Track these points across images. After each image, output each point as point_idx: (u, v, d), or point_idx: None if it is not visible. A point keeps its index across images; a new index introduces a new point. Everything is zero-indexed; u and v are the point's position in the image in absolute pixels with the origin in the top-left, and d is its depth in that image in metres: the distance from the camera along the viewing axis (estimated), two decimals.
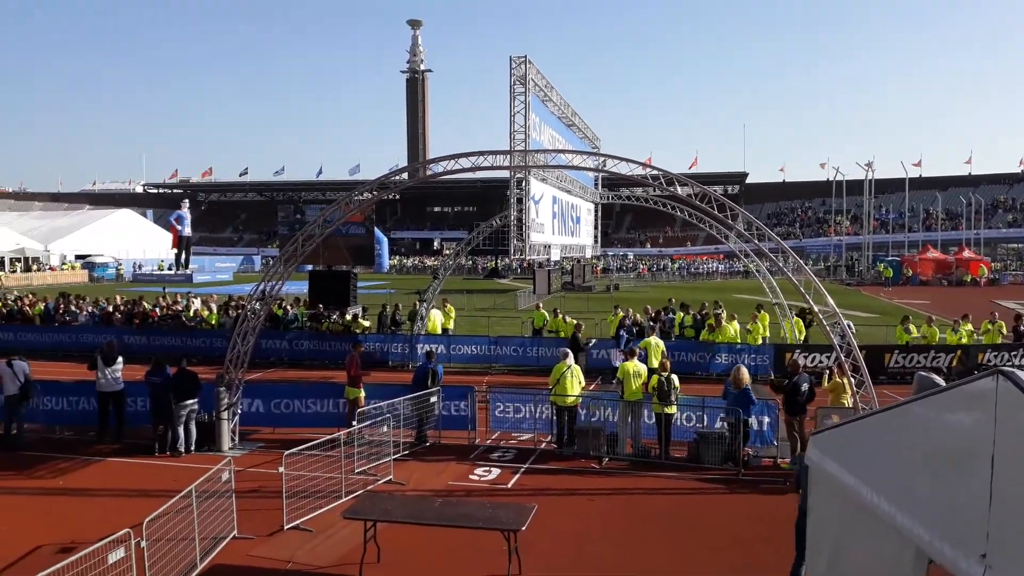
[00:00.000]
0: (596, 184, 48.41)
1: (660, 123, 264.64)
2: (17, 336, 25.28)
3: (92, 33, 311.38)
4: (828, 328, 13.00)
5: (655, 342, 18.10)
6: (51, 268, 69.11)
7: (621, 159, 14.39)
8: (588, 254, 49.68)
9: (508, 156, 16.56)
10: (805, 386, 13.08)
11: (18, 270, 65.68)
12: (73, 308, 27.09)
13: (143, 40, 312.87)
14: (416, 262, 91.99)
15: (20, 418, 14.28)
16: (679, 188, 14.31)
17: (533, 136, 28.26)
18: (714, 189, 14.73)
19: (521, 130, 27.49)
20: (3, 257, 66.45)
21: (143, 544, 7.54)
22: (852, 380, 12.76)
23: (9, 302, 29.26)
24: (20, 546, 9.51)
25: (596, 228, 51.22)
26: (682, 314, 23.88)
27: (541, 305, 27.07)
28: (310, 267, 29.46)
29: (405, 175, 16.51)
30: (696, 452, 13.11)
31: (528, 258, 30.76)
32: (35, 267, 68.28)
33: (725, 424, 13.45)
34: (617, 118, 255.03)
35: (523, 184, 27.35)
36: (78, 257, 74.35)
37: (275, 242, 79.34)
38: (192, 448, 13.74)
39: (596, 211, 50.62)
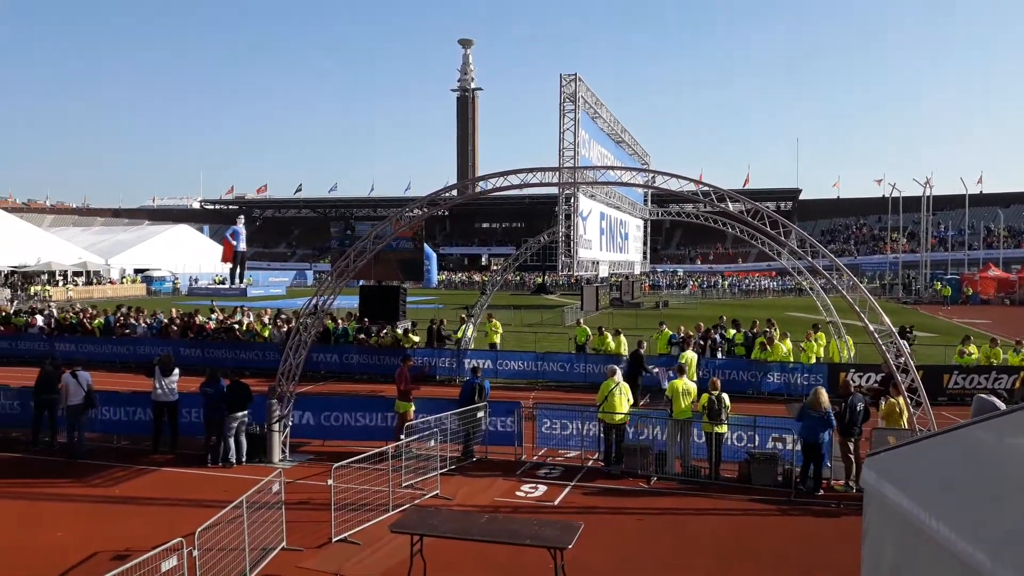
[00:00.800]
0: (645, 200, 48.21)
1: (711, 139, 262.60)
2: (78, 347, 26.06)
3: (152, 53, 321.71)
4: (883, 347, 12.68)
5: (691, 355, 18.38)
6: (111, 282, 71.22)
7: (671, 175, 14.32)
8: (637, 270, 49.40)
9: (557, 173, 16.59)
10: (860, 406, 12.76)
11: (80, 283, 67.84)
12: (132, 320, 27.83)
13: (199, 61, 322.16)
14: (464, 277, 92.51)
15: (81, 427, 14.71)
16: (730, 204, 14.16)
17: (582, 153, 28.28)
18: (766, 205, 14.53)
19: (570, 147, 27.53)
20: (67, 271, 68.70)
21: (195, 553, 7.66)
22: (908, 400, 12.42)
23: (70, 315, 30.21)
24: (78, 552, 9.77)
25: (645, 244, 50.95)
26: (733, 331, 23.57)
27: (582, 321, 26.94)
28: (361, 282, 29.85)
29: (455, 192, 16.62)
30: (747, 472, 12.88)
31: (576, 274, 30.70)
32: (96, 280, 70.46)
33: (777, 445, 13.21)
34: (667, 134, 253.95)
35: (571, 200, 27.35)
36: (137, 271, 76.56)
37: (327, 257, 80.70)
38: (243, 459, 13.96)
39: (645, 227, 50.36)
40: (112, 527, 10.85)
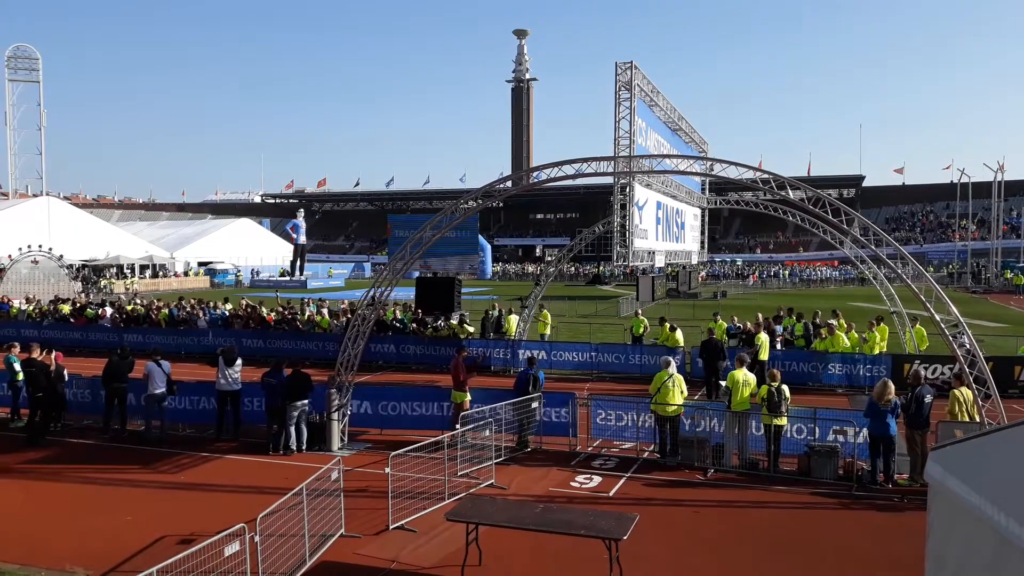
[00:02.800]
0: (703, 189, 47.54)
1: (771, 126, 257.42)
2: (146, 338, 26.84)
3: (209, 52, 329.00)
4: (950, 338, 12.28)
5: (765, 338, 18.99)
6: (176, 274, 73.22)
7: (729, 163, 14.07)
8: (694, 260, 48.77)
9: (612, 162, 16.45)
10: (929, 398, 12.38)
11: (147, 276, 69.96)
12: (192, 312, 28.58)
13: (260, 59, 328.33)
14: (518, 269, 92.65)
15: (163, 415, 15.25)
16: (791, 192, 13.87)
17: (638, 141, 28.00)
18: (828, 193, 14.19)
19: (626, 136, 27.29)
20: (134, 264, 70.90)
21: (257, 539, 7.83)
22: (976, 392, 12.00)
23: (139, 306, 31.17)
24: (146, 535, 10.10)
25: (703, 233, 50.26)
26: (793, 320, 23.11)
27: (640, 312, 26.69)
28: (417, 273, 30.12)
29: (509, 183, 16.66)
30: (807, 465, 12.63)
31: (631, 264, 30.45)
32: (161, 273, 72.55)
33: (838, 438, 12.91)
34: (726, 122, 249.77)
35: (627, 190, 27.12)
36: (200, 264, 78.58)
37: (385, 249, 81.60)
38: (303, 447, 14.24)
39: (703, 216, 49.67)
40: (177, 512, 11.18)
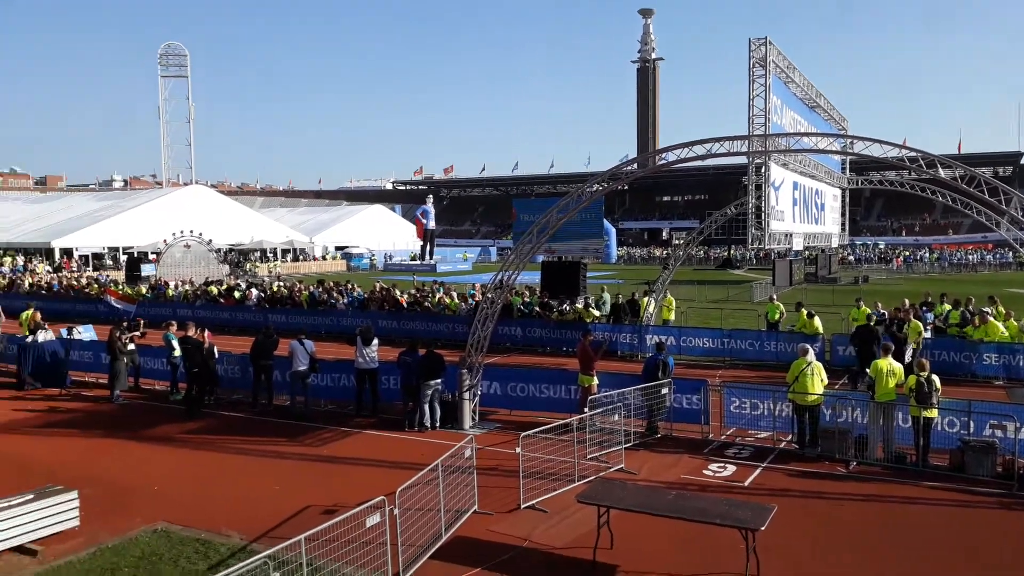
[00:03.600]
0: (843, 168, 45.39)
1: (916, 102, 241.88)
2: (288, 318, 28.30)
3: (350, 56, 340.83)
4: None
5: (918, 324, 18.63)
6: (315, 258, 76.75)
7: (872, 140, 13.34)
8: (834, 243, 46.73)
9: (746, 141, 15.91)
10: None
11: (288, 260, 73.70)
12: (335, 294, 29.86)
13: (393, 58, 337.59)
14: (644, 252, 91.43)
15: (306, 391, 16.03)
16: (941, 170, 12.99)
17: (773, 119, 27.02)
18: (982, 171, 13.18)
19: (760, 114, 26.38)
20: (276, 248, 74.82)
21: (396, 512, 8.11)
22: None
23: (282, 288, 32.88)
24: (293, 504, 10.67)
25: (843, 215, 48.01)
26: (948, 307, 21.70)
27: (775, 297, 25.80)
28: (542, 257, 30.24)
29: (635, 165, 16.40)
30: (960, 461, 11.86)
31: (767, 247, 29.47)
32: (301, 257, 76.23)
33: (996, 433, 12.04)
34: (866, 98, 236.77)
35: (762, 170, 26.22)
36: (337, 248, 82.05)
37: (509, 234, 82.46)
38: (437, 425, 14.64)
39: (843, 197, 47.43)
40: (321, 483, 11.75)
